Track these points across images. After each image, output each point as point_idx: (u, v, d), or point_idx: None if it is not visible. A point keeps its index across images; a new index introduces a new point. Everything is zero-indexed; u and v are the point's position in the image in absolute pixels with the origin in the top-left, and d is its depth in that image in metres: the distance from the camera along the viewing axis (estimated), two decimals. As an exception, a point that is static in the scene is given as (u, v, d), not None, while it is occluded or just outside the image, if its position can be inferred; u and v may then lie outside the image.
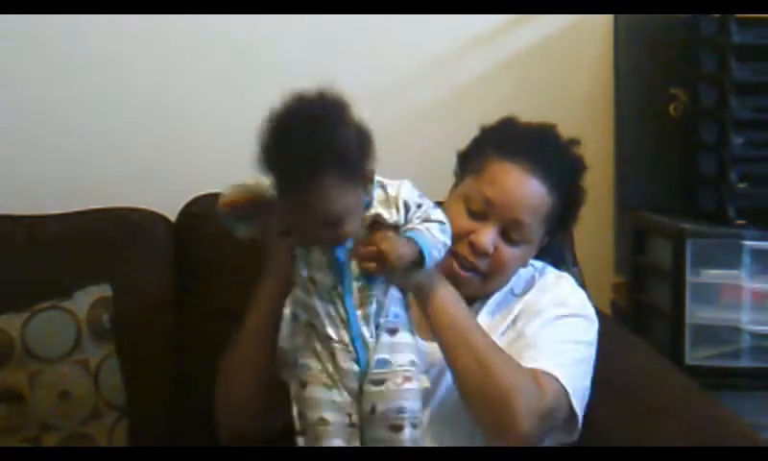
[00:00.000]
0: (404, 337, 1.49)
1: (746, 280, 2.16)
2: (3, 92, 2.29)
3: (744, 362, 2.16)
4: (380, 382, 1.46)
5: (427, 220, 1.49)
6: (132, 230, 2.11)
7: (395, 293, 1.50)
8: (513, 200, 1.62)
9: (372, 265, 1.44)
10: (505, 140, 1.68)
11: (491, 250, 1.61)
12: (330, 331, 1.47)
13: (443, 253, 1.50)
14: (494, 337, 1.62)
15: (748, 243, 2.15)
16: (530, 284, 1.71)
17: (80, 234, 2.09)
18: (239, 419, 1.64)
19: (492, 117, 1.75)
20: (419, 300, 1.54)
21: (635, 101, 2.38)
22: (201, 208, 2.12)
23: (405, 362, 1.47)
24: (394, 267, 1.44)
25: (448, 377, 1.57)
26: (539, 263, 1.76)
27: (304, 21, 2.31)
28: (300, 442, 1.49)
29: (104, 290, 1.99)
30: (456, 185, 1.72)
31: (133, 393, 1.96)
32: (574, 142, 1.72)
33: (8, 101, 2.29)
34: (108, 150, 2.33)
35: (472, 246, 1.61)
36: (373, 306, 1.47)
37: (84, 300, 1.96)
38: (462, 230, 1.60)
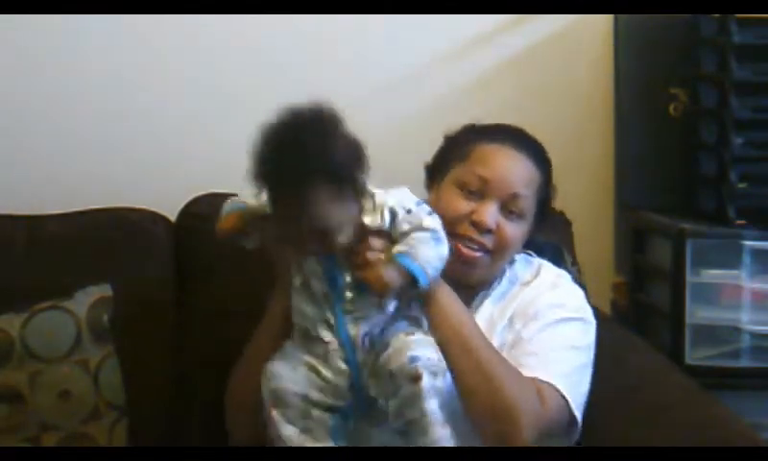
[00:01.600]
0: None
1: (746, 280, 2.16)
2: (3, 93, 2.29)
3: (744, 362, 2.16)
4: (386, 347, 1.47)
5: (419, 228, 1.48)
6: (132, 230, 2.11)
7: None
8: (508, 175, 1.65)
9: (361, 276, 1.47)
10: (485, 130, 1.72)
11: (494, 226, 1.63)
12: (322, 333, 1.50)
13: (441, 266, 1.50)
14: (496, 329, 1.65)
15: (748, 243, 2.14)
16: (533, 274, 1.72)
17: (80, 234, 2.09)
18: (251, 426, 1.60)
19: (491, 117, 1.76)
20: (423, 308, 1.54)
21: (635, 101, 2.38)
22: (201, 208, 2.12)
23: (401, 331, 1.49)
24: (383, 294, 1.46)
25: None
26: (537, 260, 1.76)
27: (304, 22, 2.31)
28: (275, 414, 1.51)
29: (104, 290, 1.98)
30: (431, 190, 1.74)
31: (133, 393, 1.96)
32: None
33: (8, 101, 2.29)
34: (108, 150, 2.33)
35: (476, 225, 1.62)
36: (365, 312, 1.49)
37: (84, 300, 1.96)
38: (462, 212, 1.62)
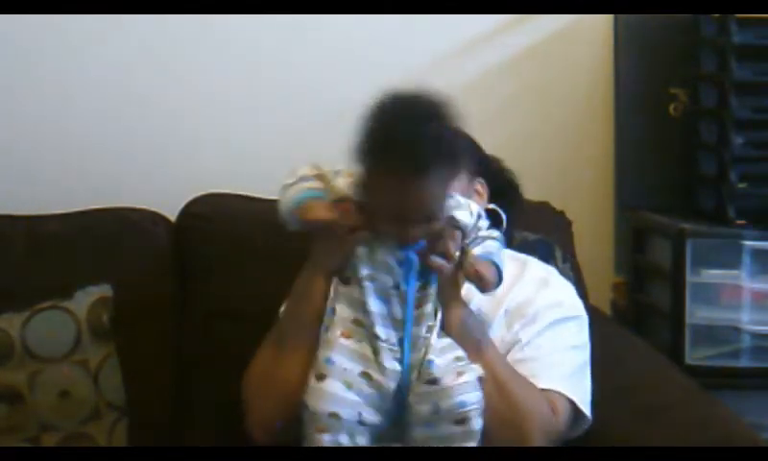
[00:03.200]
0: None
1: (746, 280, 2.16)
2: (3, 93, 2.29)
3: (744, 362, 2.16)
4: (435, 381, 1.47)
5: (489, 237, 1.51)
6: (132, 230, 2.10)
7: None
8: None
9: (438, 263, 1.46)
10: None
11: None
12: (379, 331, 1.48)
13: None
14: (492, 324, 1.64)
15: (748, 243, 2.15)
16: (520, 269, 1.71)
17: (80, 234, 2.08)
18: (277, 412, 1.57)
19: (491, 117, 1.76)
20: (446, 311, 1.53)
21: (635, 101, 2.38)
22: (201, 208, 2.12)
23: (451, 359, 1.48)
24: (487, 289, 1.47)
25: None
26: (523, 255, 1.77)
27: (304, 22, 2.31)
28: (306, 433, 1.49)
29: (104, 290, 1.98)
30: None
31: (133, 393, 1.96)
32: None
33: (8, 101, 2.29)
34: (108, 150, 2.33)
35: None
36: (430, 306, 1.49)
37: (84, 300, 1.96)
38: None
